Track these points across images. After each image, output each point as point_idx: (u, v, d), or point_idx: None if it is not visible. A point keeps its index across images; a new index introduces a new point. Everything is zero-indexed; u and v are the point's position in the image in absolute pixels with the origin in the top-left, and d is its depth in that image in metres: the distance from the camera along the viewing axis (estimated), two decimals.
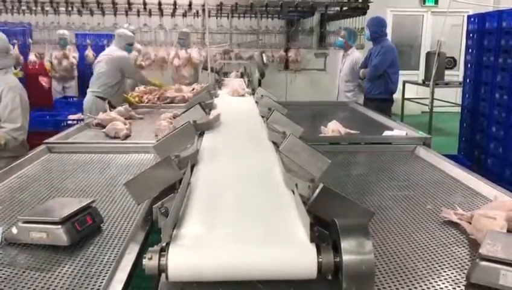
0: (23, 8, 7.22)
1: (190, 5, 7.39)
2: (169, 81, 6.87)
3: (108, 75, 5.23)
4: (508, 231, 1.58)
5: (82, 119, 4.74)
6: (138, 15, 7.39)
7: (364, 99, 5.67)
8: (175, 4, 7.35)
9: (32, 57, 7.50)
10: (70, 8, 7.24)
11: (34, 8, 7.22)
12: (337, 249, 1.12)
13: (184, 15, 7.55)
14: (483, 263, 1.34)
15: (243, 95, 4.00)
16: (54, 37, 7.71)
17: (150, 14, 7.43)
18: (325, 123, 3.40)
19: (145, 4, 7.27)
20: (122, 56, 5.35)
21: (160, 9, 7.37)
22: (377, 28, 5.42)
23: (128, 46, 5.55)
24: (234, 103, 3.68)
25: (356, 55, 5.91)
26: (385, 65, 5.31)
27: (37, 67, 7.60)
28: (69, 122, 5.48)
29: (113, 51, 5.42)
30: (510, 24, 4.83)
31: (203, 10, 7.08)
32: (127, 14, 7.30)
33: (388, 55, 5.36)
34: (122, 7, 7.25)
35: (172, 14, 7.49)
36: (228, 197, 1.55)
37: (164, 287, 1.18)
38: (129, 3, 7.19)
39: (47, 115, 6.62)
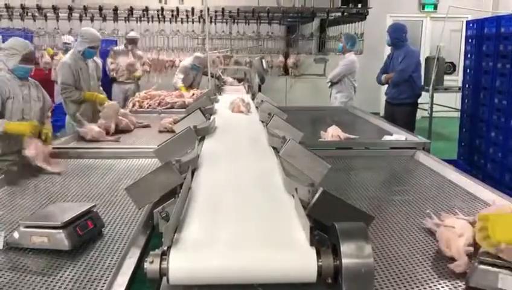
0: (24, 14, 7.26)
1: (180, 10, 7.44)
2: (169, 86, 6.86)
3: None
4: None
5: None
6: (138, 21, 7.45)
7: (387, 105, 5.69)
8: (161, 9, 7.40)
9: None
10: (71, 15, 7.30)
11: (36, 14, 7.26)
12: (336, 253, 1.13)
13: (182, 21, 7.60)
14: (482, 266, 1.35)
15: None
16: (53, 43, 7.74)
17: (152, 20, 7.50)
18: (324, 128, 3.41)
19: (145, 9, 7.35)
20: (59, 64, 4.57)
21: (157, 15, 7.45)
22: (398, 34, 5.47)
23: (90, 50, 4.48)
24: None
25: (351, 58, 5.95)
26: (410, 70, 5.39)
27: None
28: None
29: None
30: (508, 29, 4.84)
31: (203, 16, 7.12)
32: (124, 20, 7.38)
33: (412, 59, 5.45)
34: (122, 13, 7.33)
35: (172, 20, 7.55)
36: (229, 201, 1.56)
37: None
38: (116, 9, 7.25)
39: None
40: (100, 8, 7.22)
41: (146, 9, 7.36)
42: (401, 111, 5.32)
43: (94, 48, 4.52)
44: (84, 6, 7.20)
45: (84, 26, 7.01)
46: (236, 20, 7.92)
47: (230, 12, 7.65)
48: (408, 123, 5.18)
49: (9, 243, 1.65)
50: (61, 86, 4.45)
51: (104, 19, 7.40)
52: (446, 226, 1.65)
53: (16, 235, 1.64)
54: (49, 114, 3.60)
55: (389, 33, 5.54)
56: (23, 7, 7.15)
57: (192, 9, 7.42)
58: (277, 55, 8.54)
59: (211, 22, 7.66)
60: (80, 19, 7.39)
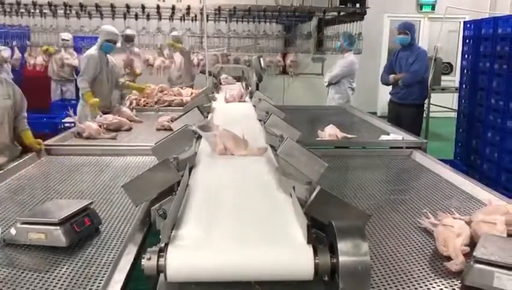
0: (22, 10, 7.22)
1: (188, 8, 7.40)
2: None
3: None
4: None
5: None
6: (136, 18, 7.41)
7: (392, 106, 5.65)
8: (172, 8, 7.36)
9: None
10: (68, 11, 7.25)
11: (32, 10, 7.22)
12: (333, 251, 1.14)
13: (182, 19, 7.56)
14: (478, 265, 1.36)
15: None
16: (51, 40, 7.70)
17: (148, 18, 7.46)
18: (322, 127, 3.42)
19: (143, 8, 7.30)
20: (85, 55, 4.98)
21: (159, 13, 7.39)
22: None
23: (107, 43, 4.92)
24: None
25: (350, 59, 5.92)
26: (424, 71, 5.37)
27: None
28: (66, 124, 5.47)
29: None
30: (505, 30, 4.86)
31: (201, 14, 7.09)
32: (125, 18, 7.33)
33: (425, 61, 5.44)
34: (120, 10, 7.27)
35: (171, 18, 7.51)
36: (226, 199, 1.56)
37: (162, 288, 1.19)
38: (128, 7, 7.21)
39: (44, 117, 6.61)
40: (81, 5, 7.16)
41: (127, 7, 7.28)
42: (408, 112, 5.30)
43: (111, 42, 4.93)
44: (64, 2, 7.12)
45: (65, 24, 7.16)
46: (233, 19, 7.90)
47: (228, 10, 7.62)
48: (414, 124, 5.17)
49: (6, 240, 1.65)
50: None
51: (90, 16, 7.34)
52: (445, 225, 1.66)
53: (12, 231, 1.64)
54: (25, 114, 3.23)
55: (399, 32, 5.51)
56: (1, 2, 7.10)
57: (202, 8, 7.37)
58: (275, 54, 8.53)
59: (216, 20, 7.63)
60: (58, 15, 7.32)
